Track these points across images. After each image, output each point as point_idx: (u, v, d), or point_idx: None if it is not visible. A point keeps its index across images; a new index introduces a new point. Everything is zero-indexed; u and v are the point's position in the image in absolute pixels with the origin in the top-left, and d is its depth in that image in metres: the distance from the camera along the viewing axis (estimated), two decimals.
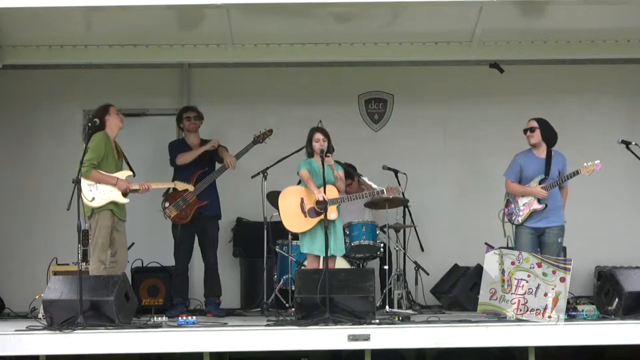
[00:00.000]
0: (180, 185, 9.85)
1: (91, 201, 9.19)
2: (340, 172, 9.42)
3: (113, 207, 9.30)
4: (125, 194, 9.33)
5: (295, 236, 9.83)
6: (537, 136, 9.53)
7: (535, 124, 9.56)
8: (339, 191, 9.33)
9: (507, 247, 9.62)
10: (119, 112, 9.52)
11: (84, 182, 9.13)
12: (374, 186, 9.37)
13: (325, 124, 9.87)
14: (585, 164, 9.25)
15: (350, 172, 10.15)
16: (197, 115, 10.31)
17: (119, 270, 9.23)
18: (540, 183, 9.42)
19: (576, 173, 9.32)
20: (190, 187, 9.90)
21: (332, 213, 9.07)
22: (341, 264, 9.95)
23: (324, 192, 9.07)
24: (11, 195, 11.44)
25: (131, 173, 9.48)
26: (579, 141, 10.92)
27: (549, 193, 9.37)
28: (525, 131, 9.59)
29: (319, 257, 9.26)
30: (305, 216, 9.23)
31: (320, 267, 9.15)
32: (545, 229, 9.42)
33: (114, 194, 9.29)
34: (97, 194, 9.22)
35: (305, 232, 9.26)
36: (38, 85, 11.62)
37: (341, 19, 10.07)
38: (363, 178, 9.97)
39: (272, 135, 10.30)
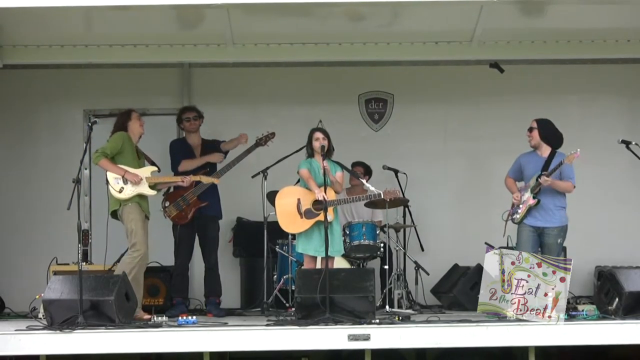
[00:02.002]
0: (206, 179, 9.87)
1: (119, 192, 9.25)
2: (339, 174, 9.39)
3: (139, 201, 9.40)
4: (152, 187, 9.41)
5: (295, 236, 9.81)
6: (535, 137, 9.54)
7: (534, 124, 9.56)
8: (336, 193, 9.31)
9: (507, 247, 9.62)
10: (140, 117, 9.63)
11: (111, 178, 9.21)
12: (372, 189, 9.36)
13: (326, 124, 9.87)
14: (567, 155, 9.25)
15: (350, 172, 10.14)
16: (196, 115, 10.31)
17: (144, 262, 9.37)
18: (537, 179, 9.43)
19: (560, 164, 9.31)
20: (217, 181, 9.92)
21: (328, 215, 9.06)
22: (341, 263, 9.95)
23: (324, 189, 9.05)
24: (11, 195, 11.45)
25: (156, 168, 9.59)
26: (579, 141, 10.85)
27: (542, 190, 9.35)
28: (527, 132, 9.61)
29: (314, 257, 9.26)
30: (302, 217, 9.23)
31: (317, 267, 9.15)
32: (544, 229, 9.42)
33: (141, 187, 9.35)
34: (125, 186, 9.29)
35: (300, 232, 9.26)
36: (38, 85, 11.62)
37: (347, 18, 10.06)
38: (362, 180, 9.97)
39: (274, 137, 10.30)
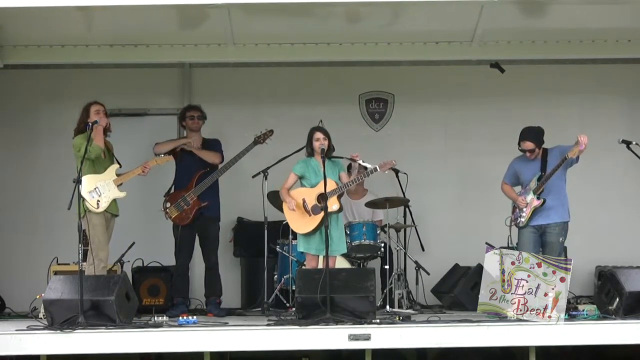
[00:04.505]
0: (161, 160, 9.83)
1: (97, 207, 9.25)
2: (343, 174, 9.38)
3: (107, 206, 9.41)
4: (119, 185, 9.43)
5: (296, 235, 9.82)
6: (537, 152, 9.53)
7: (531, 145, 9.47)
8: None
9: (508, 247, 9.63)
10: (99, 111, 9.48)
11: (85, 192, 9.19)
12: (368, 166, 9.34)
13: (326, 124, 9.87)
14: (571, 149, 9.25)
15: (349, 158, 10.15)
16: (200, 115, 10.30)
17: (104, 269, 9.33)
18: (538, 180, 9.43)
19: (564, 159, 9.32)
20: (170, 158, 9.90)
21: (333, 204, 9.06)
22: (342, 263, 9.95)
23: (324, 186, 9.02)
24: (12, 195, 11.45)
25: (118, 166, 9.54)
26: None
27: (545, 188, 9.37)
28: (522, 151, 9.55)
29: (316, 256, 9.26)
30: (310, 215, 9.23)
31: (319, 266, 9.15)
32: (545, 227, 9.43)
33: (112, 192, 9.36)
34: (100, 198, 9.28)
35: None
36: (38, 85, 11.62)
37: (348, 18, 10.06)
38: (359, 162, 9.87)
39: (272, 135, 10.28)
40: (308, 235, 9.23)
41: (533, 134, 9.53)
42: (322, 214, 9.10)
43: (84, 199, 9.17)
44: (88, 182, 9.28)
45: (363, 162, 9.47)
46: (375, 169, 9.28)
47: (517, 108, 11.38)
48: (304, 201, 9.25)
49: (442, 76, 11.63)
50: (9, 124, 11.52)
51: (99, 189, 9.33)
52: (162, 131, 11.20)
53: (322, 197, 9.10)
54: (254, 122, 10.93)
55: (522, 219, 9.48)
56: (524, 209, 9.47)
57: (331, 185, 9.14)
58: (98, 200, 9.29)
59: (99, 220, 9.31)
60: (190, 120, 10.28)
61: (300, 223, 9.28)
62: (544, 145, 9.57)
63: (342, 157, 9.62)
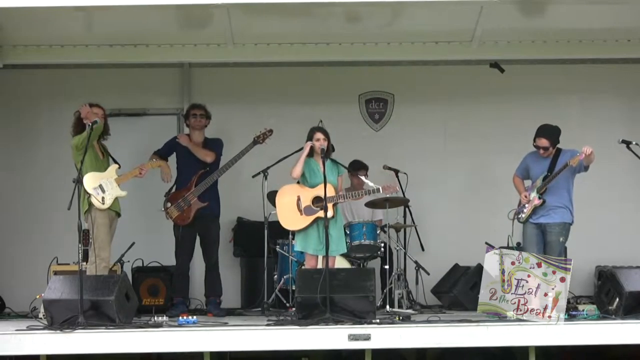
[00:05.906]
0: (155, 164, 9.88)
1: (102, 203, 9.28)
2: (340, 178, 9.38)
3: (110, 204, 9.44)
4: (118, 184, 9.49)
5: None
6: (551, 151, 9.54)
7: (546, 143, 9.49)
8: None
9: (508, 247, 9.63)
10: (97, 113, 9.49)
11: (90, 188, 9.21)
12: (371, 184, 9.35)
13: (326, 124, 9.87)
14: (573, 157, 9.28)
15: (349, 169, 10.14)
16: (203, 114, 10.29)
17: (106, 268, 9.34)
18: (543, 180, 9.45)
19: (565, 166, 9.34)
20: (163, 163, 9.94)
21: (329, 211, 9.05)
22: (342, 263, 9.95)
23: (324, 188, 9.00)
24: (11, 195, 11.45)
25: (117, 166, 9.59)
26: (579, 141, 10.79)
27: (547, 190, 9.39)
28: (536, 147, 9.56)
29: (314, 255, 9.24)
30: (301, 214, 9.21)
31: (318, 266, 9.15)
32: (546, 225, 9.45)
33: (115, 191, 9.42)
34: (105, 195, 9.31)
35: (300, 231, 9.25)
36: (38, 85, 11.62)
37: (348, 18, 10.06)
38: (361, 177, 9.93)
39: (272, 135, 10.28)
40: (306, 234, 9.22)
41: (549, 132, 9.55)
42: (313, 215, 9.11)
43: (89, 195, 9.21)
44: (92, 179, 9.33)
45: (366, 177, 9.48)
46: (378, 190, 9.28)
47: (517, 108, 11.39)
48: (298, 199, 9.24)
49: (442, 76, 11.63)
50: (9, 124, 11.53)
51: (103, 186, 9.38)
52: (162, 131, 11.18)
53: (318, 200, 9.09)
54: (253, 122, 10.93)
55: (523, 215, 9.53)
56: (526, 205, 9.51)
57: (330, 190, 9.11)
58: (103, 197, 9.33)
59: (103, 219, 9.34)
60: (193, 118, 10.27)
61: (290, 219, 9.26)
62: (559, 146, 9.58)
63: (345, 167, 9.63)
